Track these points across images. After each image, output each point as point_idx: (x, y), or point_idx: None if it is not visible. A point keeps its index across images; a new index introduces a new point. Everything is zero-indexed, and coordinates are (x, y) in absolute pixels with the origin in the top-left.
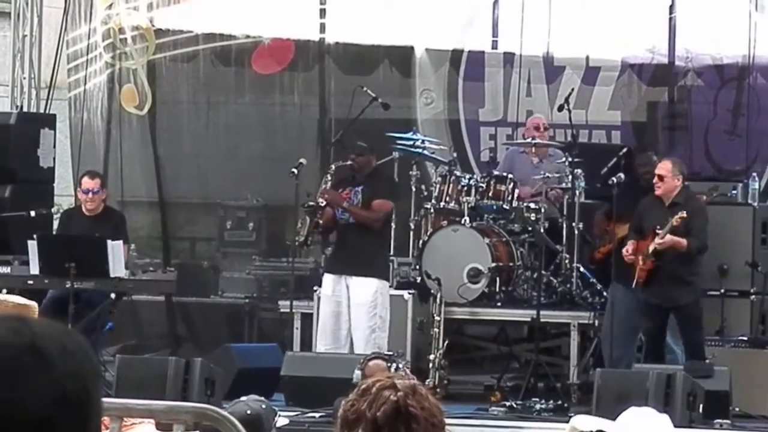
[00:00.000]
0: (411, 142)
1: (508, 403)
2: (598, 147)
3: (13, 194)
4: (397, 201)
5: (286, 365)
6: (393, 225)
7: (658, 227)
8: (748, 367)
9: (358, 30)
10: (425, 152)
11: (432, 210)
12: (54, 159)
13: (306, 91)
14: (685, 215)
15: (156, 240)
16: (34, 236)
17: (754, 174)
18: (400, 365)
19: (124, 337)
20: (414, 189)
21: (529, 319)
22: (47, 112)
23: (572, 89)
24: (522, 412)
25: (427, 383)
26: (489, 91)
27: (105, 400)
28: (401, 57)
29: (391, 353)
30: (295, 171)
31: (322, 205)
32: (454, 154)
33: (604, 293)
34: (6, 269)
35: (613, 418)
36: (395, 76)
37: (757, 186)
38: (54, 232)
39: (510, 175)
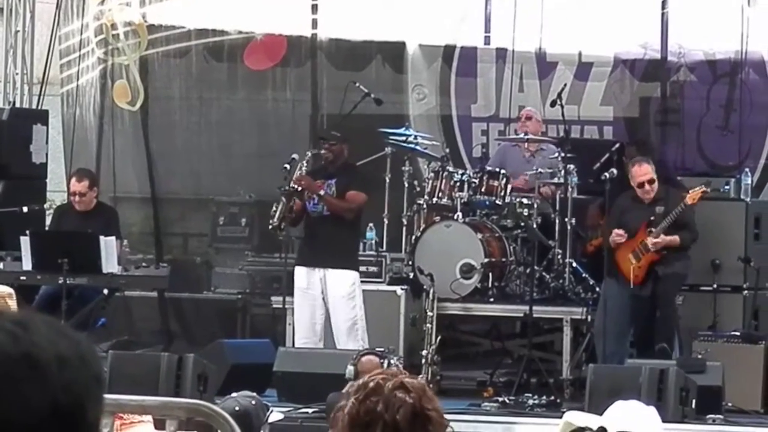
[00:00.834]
0: (403, 138)
1: (500, 399)
2: (590, 142)
3: (5, 190)
4: (371, 193)
5: (278, 361)
6: (386, 221)
7: (654, 218)
8: (740, 363)
9: (350, 26)
10: (418, 148)
11: (424, 205)
12: (46, 155)
13: (298, 86)
14: (705, 189)
15: (148, 236)
16: (27, 232)
17: (747, 169)
18: (393, 361)
19: (116, 332)
20: (406, 185)
21: (521, 315)
22: (40, 107)
23: (565, 85)
24: (515, 408)
25: (419, 379)
26: (481, 87)
27: None
28: (393, 53)
29: (383, 349)
30: (288, 167)
31: (299, 190)
32: (447, 150)
33: (597, 289)
34: None
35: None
36: (387, 71)
37: (749, 181)
38: (46, 228)
39: (502, 171)
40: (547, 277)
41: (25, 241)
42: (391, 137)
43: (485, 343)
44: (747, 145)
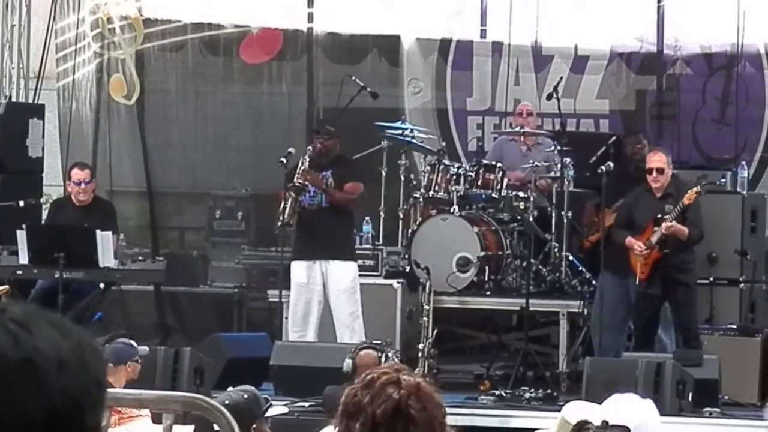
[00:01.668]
0: (400, 132)
1: (497, 392)
2: (586, 136)
3: (1, 184)
4: (366, 183)
5: (275, 354)
6: (382, 214)
7: (661, 216)
8: (737, 356)
9: (346, 19)
10: (414, 141)
11: (421, 199)
12: (43, 149)
13: (294, 80)
14: (699, 190)
15: (145, 230)
16: (23, 226)
17: (743, 162)
18: (390, 354)
19: (113, 326)
20: (403, 178)
21: (518, 308)
22: (36, 102)
23: (561, 78)
24: (511, 401)
25: (416, 372)
26: (477, 81)
27: None
28: (389, 46)
29: (380, 342)
30: (284, 160)
31: (306, 186)
32: (443, 143)
33: (593, 282)
34: None
35: None
36: (384, 65)
37: (745, 174)
38: (43, 222)
39: (499, 164)
40: (544, 270)
41: (21, 235)
42: (388, 131)
43: (482, 336)
44: (743, 138)
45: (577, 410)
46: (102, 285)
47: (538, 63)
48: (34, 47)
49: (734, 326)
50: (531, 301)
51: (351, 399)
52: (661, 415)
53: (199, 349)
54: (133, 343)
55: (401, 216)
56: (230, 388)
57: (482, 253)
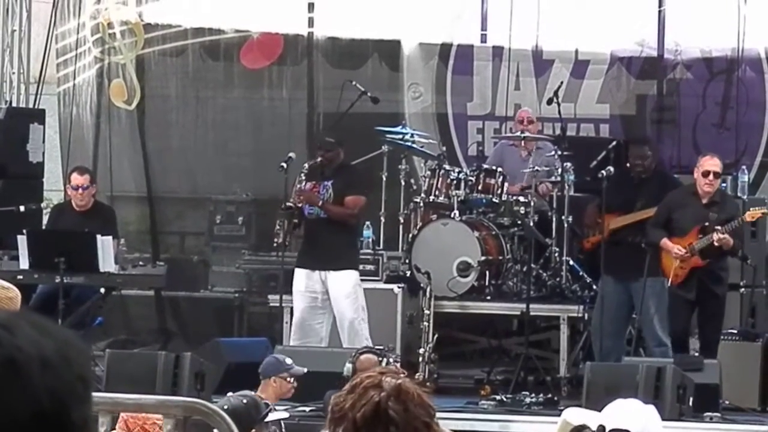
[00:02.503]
0: (400, 136)
1: (498, 397)
2: (587, 140)
3: (2, 189)
4: (367, 193)
5: None
6: (383, 219)
7: (709, 224)
8: (738, 360)
9: (346, 24)
10: (414, 146)
11: (421, 204)
12: (43, 154)
13: (295, 85)
14: (766, 212)
15: (145, 234)
16: (24, 231)
17: (743, 167)
18: (391, 359)
19: (113, 331)
20: (403, 183)
21: (518, 313)
22: (36, 107)
23: (561, 83)
24: (512, 406)
25: (416, 377)
26: (477, 85)
27: (95, 394)
28: (390, 51)
29: (381, 347)
30: (285, 165)
31: (300, 206)
32: (443, 148)
33: (594, 286)
34: None
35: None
36: (384, 70)
37: (746, 179)
38: (43, 227)
39: (499, 169)
40: (544, 275)
41: (22, 240)
42: (388, 135)
43: (482, 341)
44: (743, 143)
45: (578, 415)
46: (102, 290)
47: (539, 67)
48: (34, 52)
49: (735, 331)
50: (531, 305)
51: (337, 405)
52: (662, 420)
53: (199, 354)
54: (287, 359)
55: (402, 221)
56: (230, 394)
57: (483, 258)
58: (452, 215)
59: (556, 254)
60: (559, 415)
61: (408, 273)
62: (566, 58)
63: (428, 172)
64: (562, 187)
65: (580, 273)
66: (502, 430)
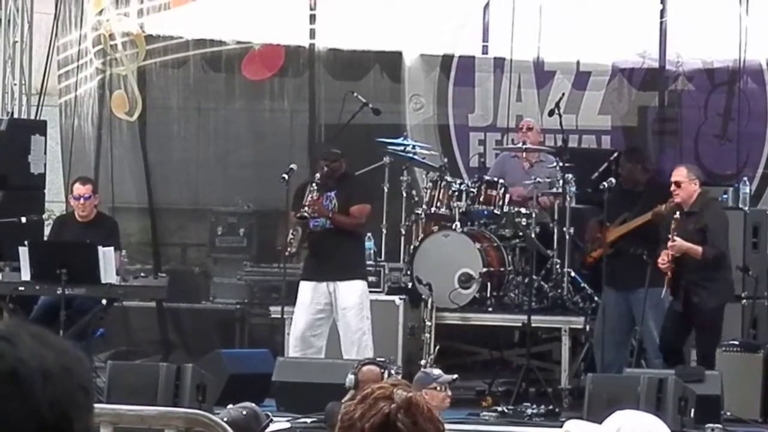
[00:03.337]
0: (401, 148)
1: (499, 408)
2: (588, 152)
3: (4, 201)
4: (372, 202)
5: (277, 371)
6: (384, 231)
7: (669, 234)
8: (739, 372)
9: (348, 35)
10: (416, 157)
11: (423, 215)
12: (45, 165)
13: (296, 96)
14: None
15: (147, 246)
16: (25, 242)
17: (745, 178)
18: (393, 371)
19: (115, 343)
20: (405, 194)
21: (520, 324)
22: (38, 118)
23: (563, 94)
24: (513, 417)
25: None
26: (479, 96)
27: (96, 406)
28: (391, 62)
29: (383, 359)
30: (286, 177)
31: (314, 215)
32: (445, 160)
33: (596, 298)
34: None
35: None
36: (385, 81)
37: (747, 190)
38: (45, 239)
39: (501, 180)
40: (546, 286)
41: (23, 252)
42: (389, 147)
43: (484, 352)
44: (745, 154)
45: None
46: (104, 301)
47: (540, 79)
48: (36, 64)
49: (736, 342)
50: (533, 317)
51: (346, 414)
52: None
53: (201, 366)
54: (435, 371)
55: (403, 232)
56: (230, 406)
57: (484, 270)
58: (454, 227)
59: (558, 266)
60: (560, 427)
61: (409, 284)
62: (568, 70)
63: (430, 184)
64: (563, 199)
65: (582, 284)
66: None
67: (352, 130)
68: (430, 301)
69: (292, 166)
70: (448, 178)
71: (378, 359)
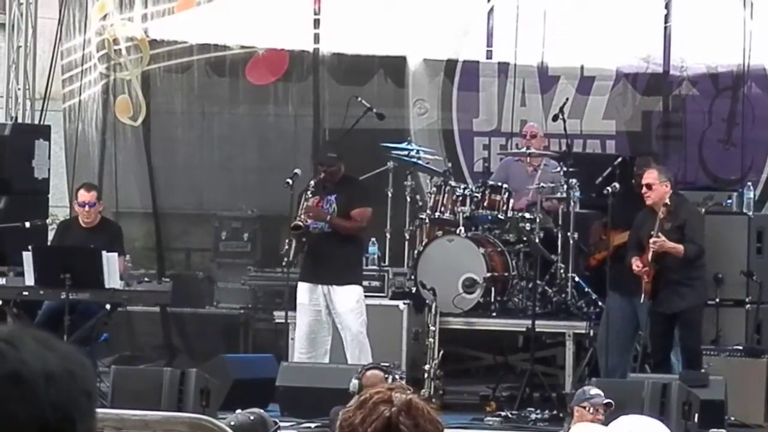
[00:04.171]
0: (406, 153)
1: (503, 413)
2: (593, 157)
3: (8, 205)
4: (373, 205)
5: (281, 375)
6: (388, 235)
7: (651, 232)
8: (743, 377)
9: (352, 40)
10: (420, 162)
11: (427, 220)
12: (49, 170)
13: (300, 101)
14: (668, 203)
15: (151, 251)
16: (29, 247)
17: (749, 183)
18: (397, 376)
19: (119, 348)
20: (409, 199)
21: (524, 329)
22: (42, 123)
23: (567, 99)
24: (517, 422)
25: (422, 393)
26: (483, 101)
27: (100, 411)
28: (395, 67)
29: (387, 364)
30: (290, 181)
31: (309, 224)
32: (449, 164)
33: (600, 303)
34: (1, 280)
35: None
36: (390, 86)
37: (751, 195)
38: (49, 243)
39: (504, 185)
40: (550, 291)
41: (27, 257)
42: (394, 152)
43: (488, 357)
44: (749, 159)
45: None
46: (108, 306)
47: (544, 84)
48: (40, 68)
49: (740, 347)
50: (537, 322)
51: (345, 420)
52: None
53: (205, 371)
54: (593, 390)
55: (407, 237)
56: (238, 411)
57: (488, 274)
58: (458, 231)
59: (562, 271)
60: None
61: (413, 289)
62: (572, 75)
63: (434, 189)
64: (567, 204)
65: (586, 289)
66: None
67: (356, 134)
68: (434, 305)
69: (297, 170)
70: (453, 183)
71: (382, 364)
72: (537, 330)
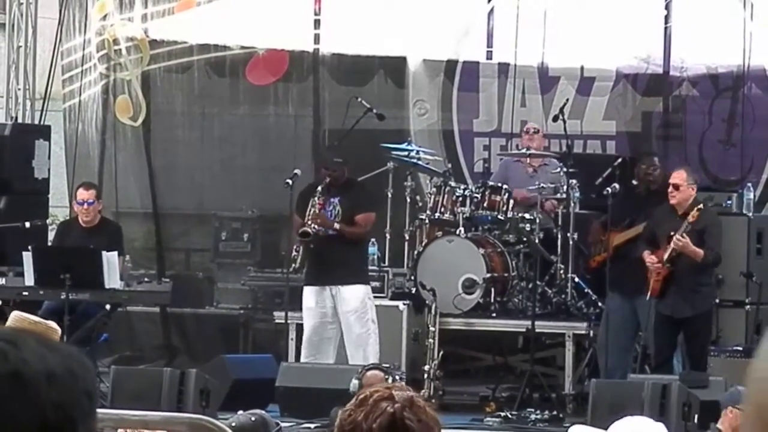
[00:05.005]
0: (406, 153)
1: (503, 414)
2: (593, 157)
3: (8, 205)
4: (377, 209)
5: (281, 376)
6: (388, 236)
7: (672, 232)
8: (743, 378)
9: (352, 41)
10: (420, 163)
11: (427, 221)
12: (49, 170)
13: (300, 102)
14: (702, 208)
15: (150, 251)
16: (29, 247)
17: (749, 184)
18: (397, 376)
19: (119, 348)
20: (409, 200)
21: (524, 330)
22: (42, 123)
23: (567, 99)
24: (517, 423)
25: (422, 394)
26: (483, 102)
27: (100, 411)
28: (395, 67)
29: (387, 364)
30: (290, 182)
31: (316, 230)
32: (449, 165)
33: (599, 303)
34: (1, 280)
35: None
36: (390, 86)
37: (751, 196)
38: (49, 243)
39: (504, 186)
40: (550, 292)
41: (27, 257)
42: (394, 152)
43: (487, 358)
44: (749, 160)
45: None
46: (108, 306)
47: (545, 84)
48: (40, 68)
49: (740, 348)
50: (537, 322)
51: (346, 419)
52: None
53: (204, 371)
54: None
55: (407, 237)
56: (240, 412)
57: (488, 275)
58: (458, 232)
59: (562, 271)
60: None
61: (413, 290)
62: (572, 75)
63: (434, 189)
64: (567, 204)
65: (586, 290)
66: None
67: (356, 135)
68: (433, 306)
69: (297, 171)
70: (452, 184)
71: (382, 364)
72: (537, 331)
